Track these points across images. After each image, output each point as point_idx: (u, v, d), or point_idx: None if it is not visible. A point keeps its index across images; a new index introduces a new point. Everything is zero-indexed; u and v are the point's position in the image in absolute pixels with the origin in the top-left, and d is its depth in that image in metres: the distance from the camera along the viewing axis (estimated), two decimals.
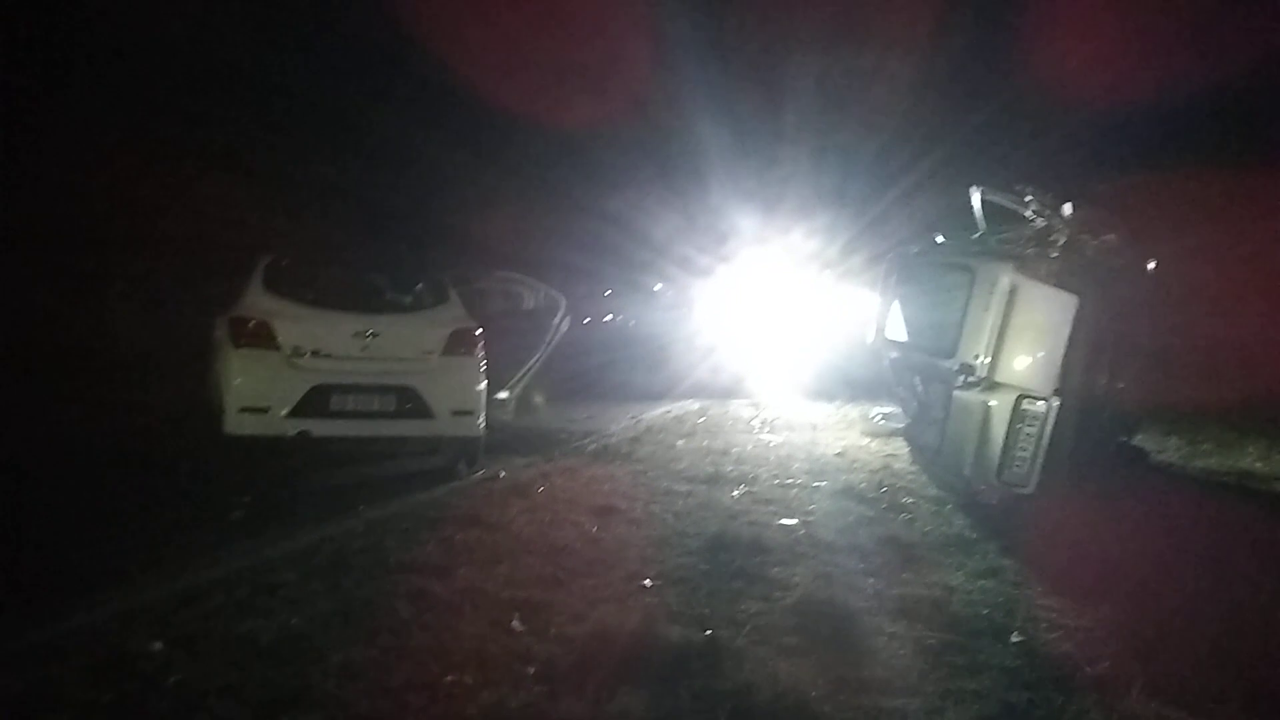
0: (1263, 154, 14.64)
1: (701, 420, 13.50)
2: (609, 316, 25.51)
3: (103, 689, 3.65)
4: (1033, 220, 8.06)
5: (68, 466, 8.00)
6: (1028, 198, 8.05)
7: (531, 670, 4.00)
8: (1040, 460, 7.07)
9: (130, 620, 4.41)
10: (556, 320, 10.99)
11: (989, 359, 7.41)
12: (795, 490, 8.27)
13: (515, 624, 4.54)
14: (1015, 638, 4.61)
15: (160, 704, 3.58)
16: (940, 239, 9.56)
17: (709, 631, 4.54)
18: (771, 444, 11.20)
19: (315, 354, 7.72)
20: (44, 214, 12.64)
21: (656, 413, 14.26)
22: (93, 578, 5.09)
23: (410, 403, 7.98)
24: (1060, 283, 7.37)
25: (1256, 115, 16.49)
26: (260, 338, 7.61)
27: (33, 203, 12.58)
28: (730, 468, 9.30)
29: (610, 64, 20.06)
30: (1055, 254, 7.66)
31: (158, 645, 4.08)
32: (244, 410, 7.47)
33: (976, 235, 8.85)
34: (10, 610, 4.51)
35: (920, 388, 9.31)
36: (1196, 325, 10.69)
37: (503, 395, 10.19)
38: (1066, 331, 7.20)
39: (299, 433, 7.56)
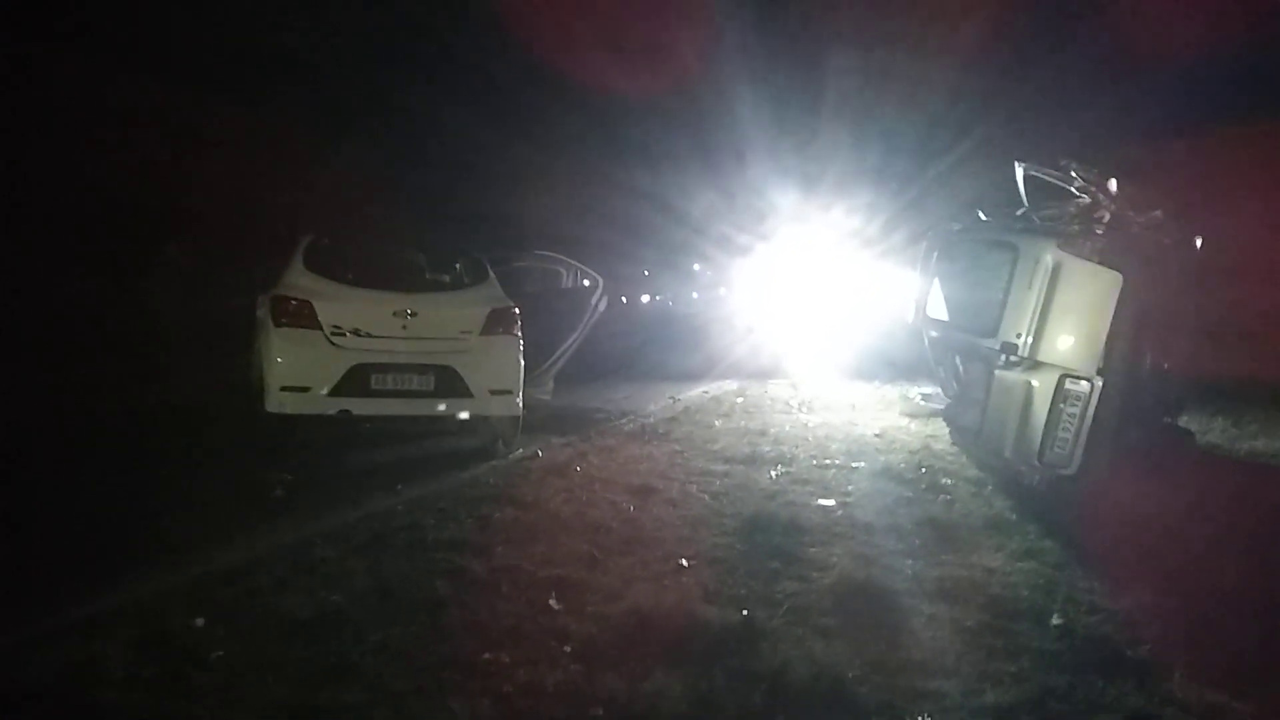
0: None
1: (739, 400, 13.45)
2: (647, 297, 25.52)
3: (145, 664, 3.71)
4: (1077, 196, 7.92)
5: (112, 445, 8.14)
6: (1072, 173, 7.91)
7: (568, 649, 4.02)
8: (1083, 441, 6.96)
9: (172, 597, 4.48)
10: (594, 300, 11.00)
11: (1031, 338, 7.29)
12: (833, 471, 8.23)
13: (552, 602, 4.56)
14: (1055, 620, 4.57)
15: (202, 679, 3.63)
16: (982, 215, 9.42)
17: (745, 612, 4.53)
18: (810, 424, 11.14)
19: (355, 333, 7.77)
20: (87, 197, 12.81)
21: (694, 393, 14.23)
22: (135, 555, 5.19)
23: (449, 382, 8.01)
24: (1105, 260, 7.24)
25: None
26: (301, 317, 7.68)
27: (75, 187, 12.76)
28: (768, 448, 9.26)
29: (650, 42, 20.02)
30: (1100, 231, 7.53)
31: (199, 621, 4.14)
32: (285, 389, 7.56)
33: (1020, 212, 8.72)
34: (55, 586, 4.59)
35: (961, 367, 9.21)
36: (1243, 304, 10.49)
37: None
38: (1111, 310, 7.07)
39: (339, 411, 7.64)
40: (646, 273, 25.74)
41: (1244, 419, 10.89)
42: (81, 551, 5.26)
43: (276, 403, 7.53)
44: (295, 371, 7.63)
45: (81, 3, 13.84)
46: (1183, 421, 9.42)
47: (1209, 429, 10.48)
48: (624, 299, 20.20)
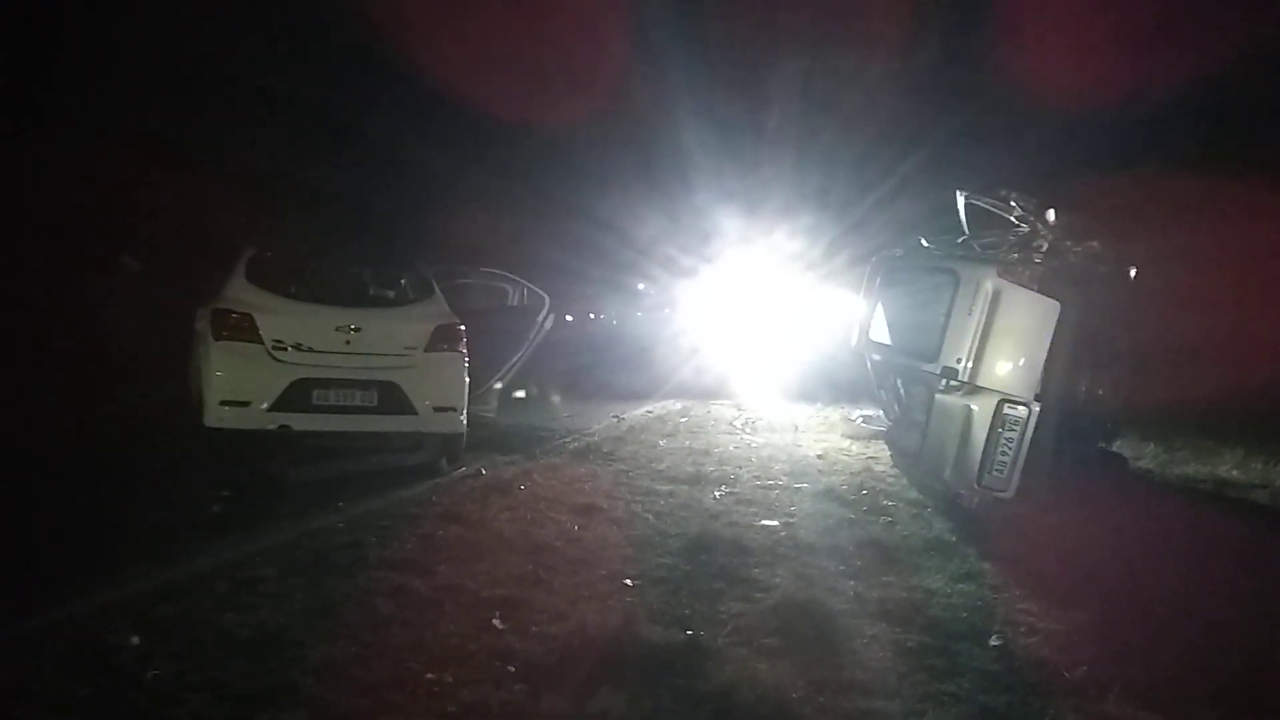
0: (1242, 158, 14.78)
1: (684, 420, 13.51)
2: (593, 315, 25.53)
3: (80, 683, 3.62)
4: (1017, 225, 8.10)
5: (46, 460, 7.93)
6: (1012, 203, 8.08)
7: (512, 668, 3.99)
8: (1020, 465, 7.10)
9: (108, 614, 4.38)
10: (540, 318, 10.99)
11: (971, 363, 7.43)
12: (777, 492, 8.28)
13: (496, 622, 4.52)
14: (994, 641, 4.63)
15: (138, 698, 3.55)
16: (924, 242, 9.59)
17: (690, 632, 4.54)
18: (753, 445, 11.21)
19: (297, 348, 7.68)
20: (33, 211, 12.57)
21: (639, 412, 14.28)
22: (70, 571, 5.05)
23: (392, 398, 7.95)
24: (1043, 288, 7.42)
25: (1236, 118, 16.65)
26: (242, 330, 7.57)
27: (21, 200, 12.51)
28: (712, 468, 9.30)
29: (593, 64, 20.10)
30: (1038, 259, 7.70)
31: (136, 639, 4.05)
32: (224, 404, 7.44)
33: (960, 239, 8.88)
34: None
35: (902, 391, 9.35)
36: (1175, 332, 10.77)
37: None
38: (1048, 337, 7.24)
39: (280, 427, 7.53)
40: (592, 293, 25.69)
41: (1175, 445, 11.15)
42: (14, 567, 5.10)
43: (215, 417, 7.41)
44: (235, 386, 7.52)
45: (36, 19, 13.64)
46: (1116, 447, 9.66)
47: (1141, 454, 10.73)
48: (569, 318, 20.16)
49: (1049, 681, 4.16)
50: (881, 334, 9.42)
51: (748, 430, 12.65)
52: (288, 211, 15.06)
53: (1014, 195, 8.13)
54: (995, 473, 7.17)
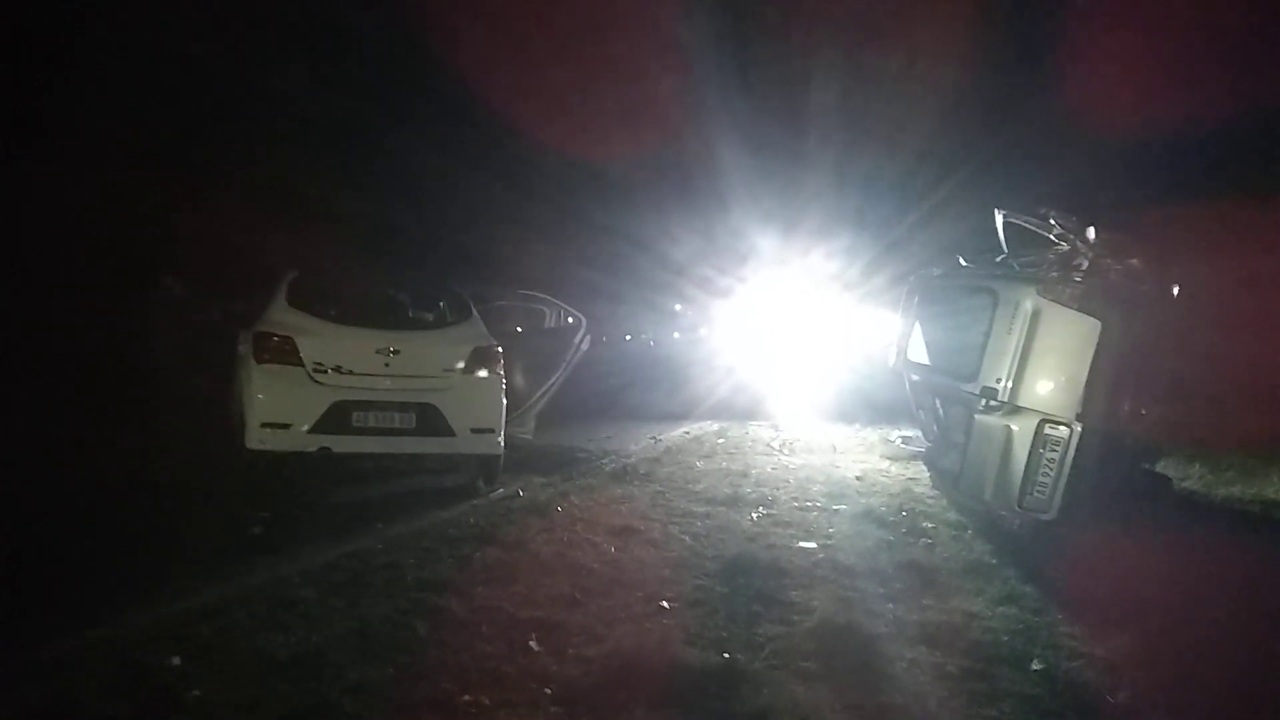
0: None
1: (721, 441, 13.47)
2: (629, 336, 25.58)
3: (121, 702, 3.67)
4: (1056, 244, 8.02)
5: (88, 480, 8.04)
6: (1051, 221, 8.00)
7: (549, 691, 3.99)
8: (1062, 486, 7.00)
9: (149, 634, 4.43)
10: (577, 339, 11.02)
11: (1011, 383, 7.35)
12: (814, 513, 8.23)
13: (533, 644, 4.53)
14: (1035, 665, 4.57)
15: (178, 718, 3.59)
16: (963, 261, 9.52)
17: (727, 655, 4.52)
18: (791, 466, 11.15)
19: (337, 370, 7.76)
20: (72, 237, 12.80)
21: (676, 433, 14.25)
22: (112, 591, 5.12)
23: (431, 420, 8.00)
24: (1084, 307, 7.32)
25: None
26: (283, 353, 7.67)
27: (60, 226, 12.74)
28: (749, 490, 9.26)
29: (632, 86, 20.20)
30: (1079, 278, 7.61)
31: (176, 659, 4.10)
32: (265, 425, 7.52)
33: (999, 258, 8.81)
34: (30, 622, 4.54)
35: (941, 411, 9.25)
36: (1220, 351, 10.58)
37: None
38: (1090, 356, 7.15)
39: (320, 449, 7.60)
40: (629, 315, 25.76)
41: (1220, 465, 10.94)
42: (56, 587, 5.20)
43: (257, 439, 7.49)
44: (276, 408, 7.60)
45: (69, 44, 13.93)
46: (1160, 467, 9.50)
47: (1186, 475, 10.54)
48: (605, 339, 20.23)
49: (1091, 707, 4.09)
50: (920, 354, 9.34)
51: (785, 451, 12.59)
52: (327, 235, 15.23)
53: (1053, 213, 8.04)
54: (1036, 494, 7.07)
